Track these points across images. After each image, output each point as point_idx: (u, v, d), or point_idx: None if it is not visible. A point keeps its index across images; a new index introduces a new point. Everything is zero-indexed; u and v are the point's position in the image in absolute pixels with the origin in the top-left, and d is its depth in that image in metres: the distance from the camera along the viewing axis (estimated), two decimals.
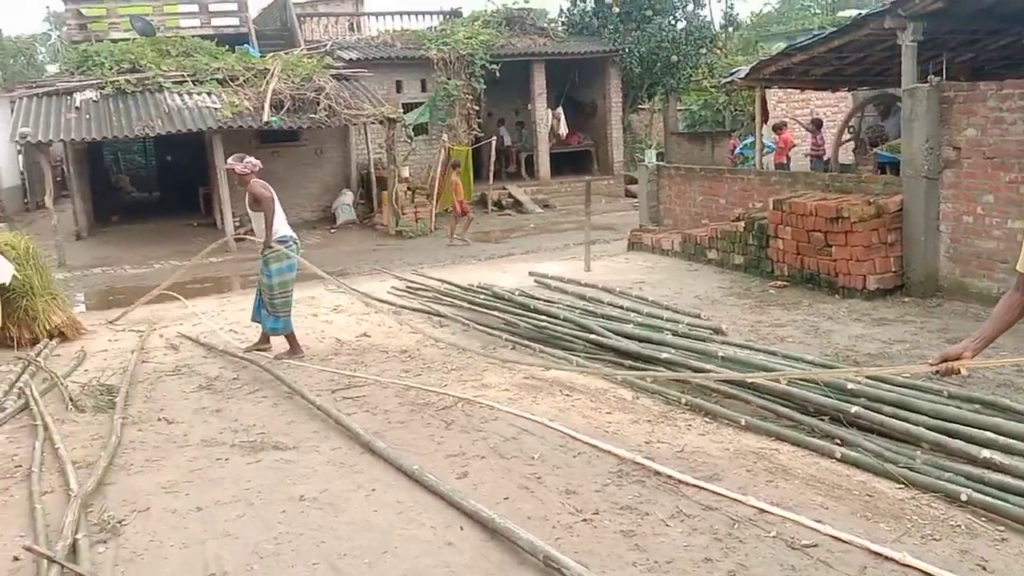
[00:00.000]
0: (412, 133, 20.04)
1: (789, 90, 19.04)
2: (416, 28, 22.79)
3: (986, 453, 4.43)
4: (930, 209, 8.67)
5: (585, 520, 4.23)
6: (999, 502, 4.07)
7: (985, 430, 4.64)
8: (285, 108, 16.81)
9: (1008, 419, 4.75)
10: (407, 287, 10.74)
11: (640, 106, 25.44)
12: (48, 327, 8.80)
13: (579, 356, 7.08)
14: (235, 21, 21.30)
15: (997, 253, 8.10)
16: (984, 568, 3.65)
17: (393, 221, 17.60)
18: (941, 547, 3.82)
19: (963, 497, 4.16)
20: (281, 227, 7.73)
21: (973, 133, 8.29)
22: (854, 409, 5.11)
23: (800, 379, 5.61)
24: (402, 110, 19.30)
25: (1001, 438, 4.52)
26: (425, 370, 7.15)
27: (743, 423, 5.40)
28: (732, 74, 14.37)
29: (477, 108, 20.95)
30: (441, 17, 23.65)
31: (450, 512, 4.35)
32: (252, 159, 7.73)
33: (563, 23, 23.70)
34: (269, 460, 5.29)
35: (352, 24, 24.21)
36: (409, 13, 23.66)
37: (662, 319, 7.88)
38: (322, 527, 4.31)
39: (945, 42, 10.81)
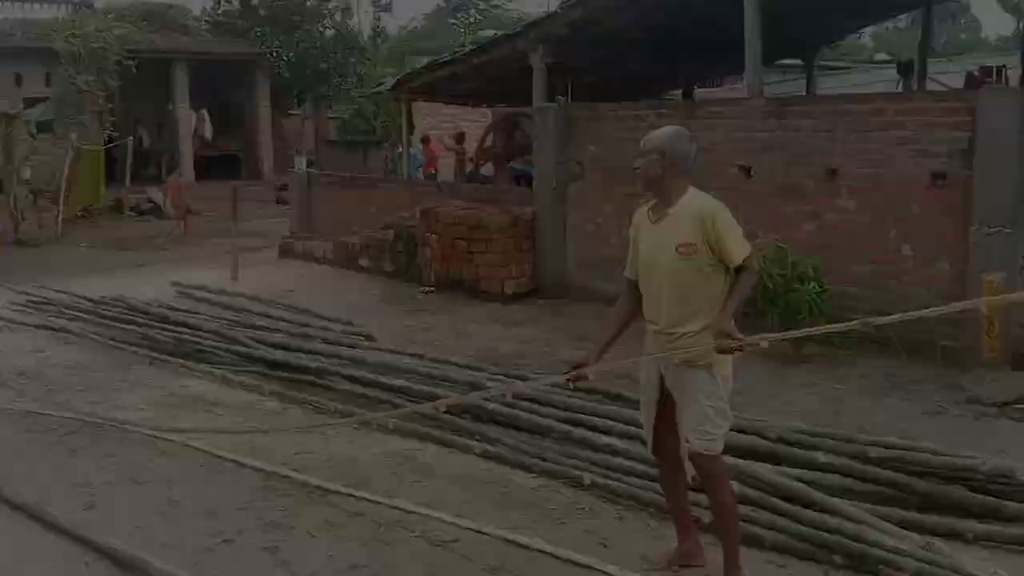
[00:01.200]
0: (35, 131, 18.08)
1: (437, 104, 19.73)
2: (41, 17, 20.57)
3: (606, 439, 4.89)
4: (559, 219, 9.43)
5: (227, 541, 4.05)
6: (618, 484, 4.50)
7: (606, 418, 5.11)
8: None
9: (623, 407, 5.26)
10: (28, 301, 9.60)
11: (291, 112, 25.08)
12: None
13: (225, 369, 6.79)
14: None
15: (615, 258, 8.93)
16: (605, 546, 4.00)
17: (12, 228, 15.69)
18: (569, 529, 4.15)
19: (586, 481, 4.55)
20: None
21: (595, 150, 9.14)
22: (491, 405, 5.38)
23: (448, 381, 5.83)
24: (23, 106, 17.39)
25: (619, 425, 5.00)
26: (47, 393, 6.44)
27: (391, 427, 5.49)
28: (379, 85, 14.63)
29: (111, 106, 19.41)
30: (70, 8, 21.55)
31: (75, 547, 3.96)
32: None
33: (207, 22, 22.70)
34: None
35: None
36: (32, 1, 21.30)
37: (313, 327, 7.81)
38: None
39: (574, 66, 11.80)
